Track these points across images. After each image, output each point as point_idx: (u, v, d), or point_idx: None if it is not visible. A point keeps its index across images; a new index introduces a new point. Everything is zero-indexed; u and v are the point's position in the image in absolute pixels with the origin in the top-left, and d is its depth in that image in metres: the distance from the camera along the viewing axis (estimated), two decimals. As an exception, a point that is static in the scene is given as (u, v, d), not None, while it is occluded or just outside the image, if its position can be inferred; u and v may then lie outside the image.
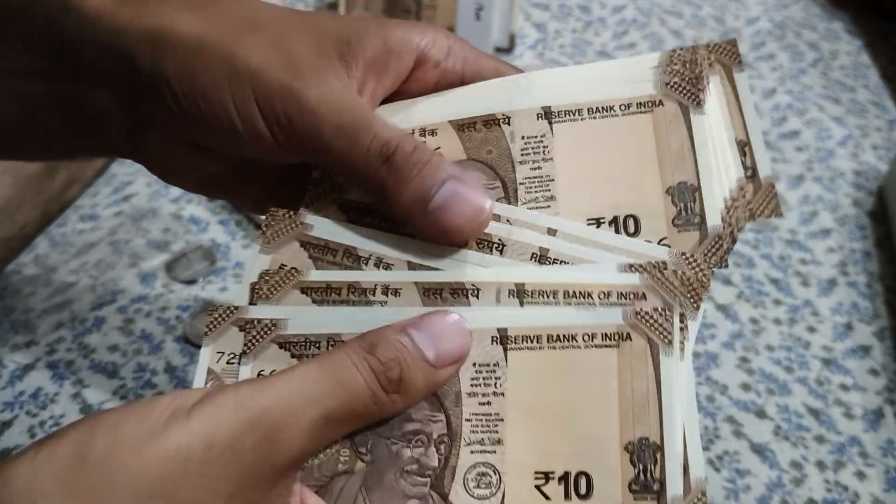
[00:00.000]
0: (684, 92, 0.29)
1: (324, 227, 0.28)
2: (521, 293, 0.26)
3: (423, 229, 0.27)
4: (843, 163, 0.64)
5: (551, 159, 0.29)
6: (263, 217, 0.29)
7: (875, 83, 0.72)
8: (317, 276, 0.27)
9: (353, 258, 0.28)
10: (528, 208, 0.28)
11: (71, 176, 0.55)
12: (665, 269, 0.26)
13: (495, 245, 0.28)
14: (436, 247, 0.28)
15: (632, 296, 0.26)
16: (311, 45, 0.27)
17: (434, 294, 0.27)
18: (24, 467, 0.21)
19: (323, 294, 0.27)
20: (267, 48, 0.26)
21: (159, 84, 0.26)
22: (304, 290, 0.27)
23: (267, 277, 0.27)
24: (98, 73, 0.27)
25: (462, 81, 0.30)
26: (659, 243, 0.27)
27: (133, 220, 0.55)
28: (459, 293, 0.27)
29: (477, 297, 0.27)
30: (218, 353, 0.27)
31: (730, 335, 0.51)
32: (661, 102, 0.29)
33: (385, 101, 0.30)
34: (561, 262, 0.27)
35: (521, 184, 0.29)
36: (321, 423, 0.24)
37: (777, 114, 0.68)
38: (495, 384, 0.26)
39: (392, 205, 0.27)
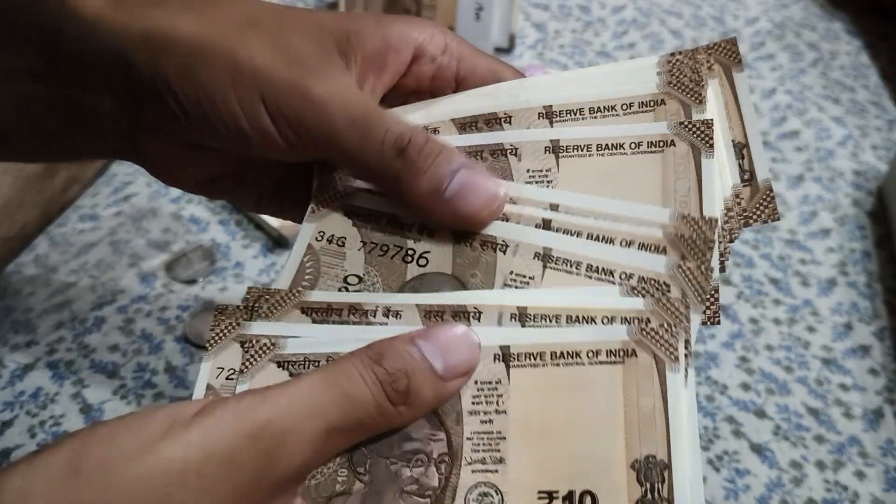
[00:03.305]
0: (691, 131, 0.28)
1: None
2: (522, 317, 0.26)
3: (441, 218, 0.27)
4: (842, 163, 0.64)
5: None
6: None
7: (875, 83, 0.72)
8: (317, 296, 0.27)
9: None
10: None
11: (71, 176, 0.55)
12: (668, 291, 0.26)
13: (501, 217, 0.28)
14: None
15: (636, 320, 0.25)
16: (311, 41, 0.27)
17: (435, 316, 0.26)
18: (17, 476, 0.20)
19: (323, 315, 0.27)
20: (269, 46, 0.26)
21: (160, 87, 0.26)
22: (304, 310, 0.27)
23: (267, 296, 0.27)
24: (96, 76, 0.27)
25: (456, 79, 0.30)
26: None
27: (133, 219, 0.55)
28: (461, 315, 0.26)
29: (479, 319, 0.26)
30: (218, 368, 0.26)
31: (729, 335, 0.51)
32: (672, 143, 0.28)
33: (383, 99, 0.30)
34: (565, 231, 0.27)
35: None
36: (324, 435, 0.23)
37: (777, 114, 0.68)
38: (497, 402, 0.25)
39: (408, 196, 0.27)
